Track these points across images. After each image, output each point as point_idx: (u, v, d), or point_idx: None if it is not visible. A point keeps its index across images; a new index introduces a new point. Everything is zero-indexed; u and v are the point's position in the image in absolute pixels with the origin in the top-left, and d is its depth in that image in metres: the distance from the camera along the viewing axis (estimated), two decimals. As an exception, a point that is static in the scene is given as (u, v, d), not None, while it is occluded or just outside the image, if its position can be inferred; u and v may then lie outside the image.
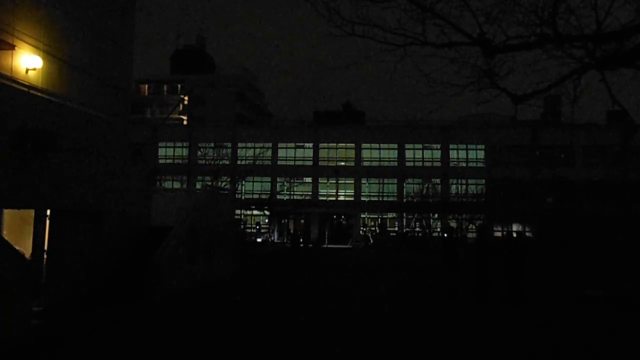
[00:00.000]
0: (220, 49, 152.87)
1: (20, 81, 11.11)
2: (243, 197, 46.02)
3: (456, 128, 50.27)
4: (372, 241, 42.08)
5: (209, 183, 38.36)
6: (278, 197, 47.57)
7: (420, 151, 48.96)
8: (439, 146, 48.65)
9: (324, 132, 49.38)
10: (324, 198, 48.82)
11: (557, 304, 13.52)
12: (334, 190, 49.07)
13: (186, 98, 61.95)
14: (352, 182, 48.72)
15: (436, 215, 45.02)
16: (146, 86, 72.03)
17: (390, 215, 48.69)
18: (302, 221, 45.94)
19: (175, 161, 48.82)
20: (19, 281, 9.23)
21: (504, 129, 48.38)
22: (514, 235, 14.90)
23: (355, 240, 44.26)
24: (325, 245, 42.37)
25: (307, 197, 48.63)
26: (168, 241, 13.83)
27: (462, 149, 48.75)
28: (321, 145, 49.46)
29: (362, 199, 48.34)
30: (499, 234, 44.60)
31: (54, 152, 10.57)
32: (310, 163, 49.40)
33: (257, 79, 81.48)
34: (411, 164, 48.69)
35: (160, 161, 47.90)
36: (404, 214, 47.89)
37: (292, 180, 48.20)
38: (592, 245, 34.47)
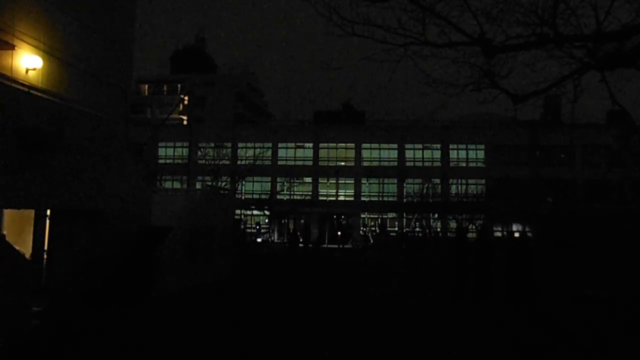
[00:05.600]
0: (220, 49, 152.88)
1: (20, 81, 11.10)
2: (243, 197, 46.02)
3: (456, 128, 50.28)
4: (372, 241, 42.06)
5: (209, 183, 38.36)
6: (278, 197, 47.57)
7: (420, 151, 48.98)
8: (439, 146, 48.66)
9: (324, 132, 49.39)
10: (324, 198, 48.83)
11: (557, 304, 13.52)
12: (334, 190, 49.08)
13: (186, 98, 61.95)
14: (352, 182, 48.73)
15: (436, 215, 45.03)
16: (146, 86, 72.09)
17: (390, 215, 48.69)
18: (302, 221, 45.93)
19: (175, 161, 48.81)
20: (19, 281, 9.23)
21: (504, 129, 48.37)
22: (518, 235, 14.82)
23: (355, 240, 44.25)
24: (325, 245, 42.36)
25: (307, 197, 48.64)
26: (168, 241, 13.83)
27: (462, 149, 48.76)
28: (321, 145, 49.46)
29: (362, 199, 48.35)
30: (499, 234, 44.64)
31: (54, 152, 10.57)
32: (310, 163, 49.40)
33: (257, 79, 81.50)
34: (411, 164, 48.69)
35: (160, 161, 47.91)
36: (404, 214, 47.89)
37: (292, 180, 48.19)
38: (592, 245, 34.49)
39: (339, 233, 44.39)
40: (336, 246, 41.39)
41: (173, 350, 8.38)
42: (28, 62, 11.42)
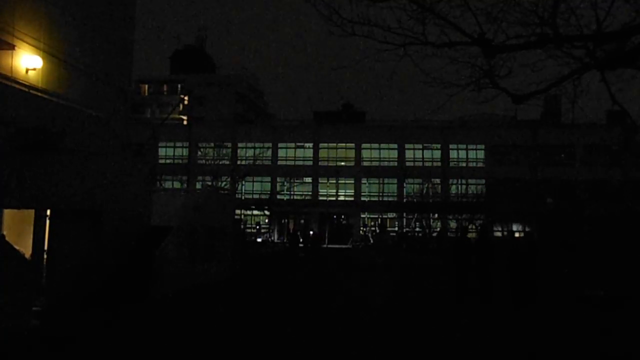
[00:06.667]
0: (220, 49, 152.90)
1: (20, 81, 11.10)
2: (243, 197, 46.02)
3: (456, 128, 50.29)
4: (372, 241, 42.09)
5: (209, 183, 38.37)
6: (278, 197, 47.57)
7: (420, 151, 48.98)
8: (439, 146, 48.66)
9: (324, 132, 49.38)
10: (324, 198, 48.83)
11: (557, 303, 13.52)
12: (334, 190, 49.08)
13: (186, 98, 61.95)
14: (352, 182, 48.72)
15: (436, 215, 45.03)
16: (146, 86, 72.06)
17: (390, 215, 48.68)
18: (302, 221, 45.95)
19: (175, 161, 48.81)
20: (19, 281, 9.22)
21: (504, 129, 48.38)
22: (523, 235, 14.76)
23: (355, 240, 44.27)
24: (325, 245, 42.36)
25: (307, 197, 48.64)
26: (168, 241, 13.83)
27: (462, 149, 48.76)
28: (321, 145, 49.46)
29: (362, 199, 48.35)
30: (499, 234, 44.65)
31: (54, 152, 10.56)
32: (310, 163, 49.41)
33: (257, 79, 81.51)
34: (411, 164, 48.69)
35: (160, 161, 47.88)
36: (404, 214, 47.89)
37: (292, 180, 48.20)
38: (592, 245, 34.52)
39: (311, 232, 41.17)
40: (336, 246, 41.36)
41: (173, 351, 8.38)
42: (28, 62, 11.42)
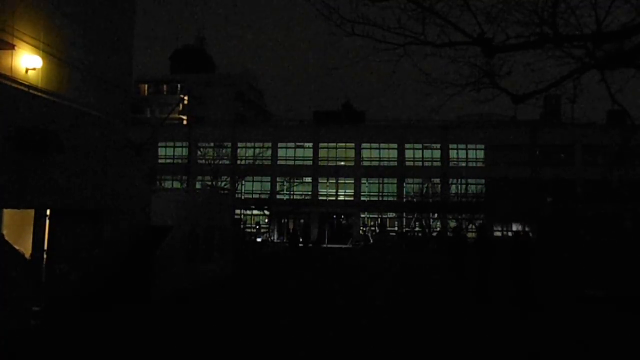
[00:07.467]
0: (220, 49, 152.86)
1: (20, 81, 11.09)
2: (243, 197, 46.01)
3: (456, 128, 50.26)
4: (372, 241, 42.08)
5: (209, 183, 38.35)
6: (278, 197, 47.56)
7: (420, 151, 48.95)
8: (439, 146, 48.64)
9: (324, 132, 49.36)
10: (324, 198, 48.82)
11: (557, 303, 13.52)
12: (334, 190, 49.06)
13: (186, 98, 61.93)
14: (352, 182, 48.71)
15: (436, 215, 45.02)
16: (146, 86, 72.05)
17: (390, 215, 48.67)
18: (302, 221, 45.94)
19: (175, 161, 48.78)
20: (19, 281, 9.23)
21: (504, 129, 48.37)
22: (521, 234, 14.79)
23: (355, 240, 44.27)
24: (325, 245, 42.33)
25: (307, 197, 48.63)
26: (168, 241, 13.82)
27: (462, 149, 48.74)
28: (321, 145, 49.44)
29: (362, 199, 48.33)
30: (499, 234, 44.66)
31: (54, 152, 10.56)
32: (310, 163, 49.39)
33: (257, 79, 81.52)
34: (411, 164, 48.68)
35: (160, 161, 47.86)
36: (404, 214, 47.88)
37: (292, 180, 48.19)
38: (592, 245, 34.55)
39: (294, 230, 36.73)
40: (336, 246, 41.34)
41: (173, 351, 8.38)
42: (28, 62, 11.41)
